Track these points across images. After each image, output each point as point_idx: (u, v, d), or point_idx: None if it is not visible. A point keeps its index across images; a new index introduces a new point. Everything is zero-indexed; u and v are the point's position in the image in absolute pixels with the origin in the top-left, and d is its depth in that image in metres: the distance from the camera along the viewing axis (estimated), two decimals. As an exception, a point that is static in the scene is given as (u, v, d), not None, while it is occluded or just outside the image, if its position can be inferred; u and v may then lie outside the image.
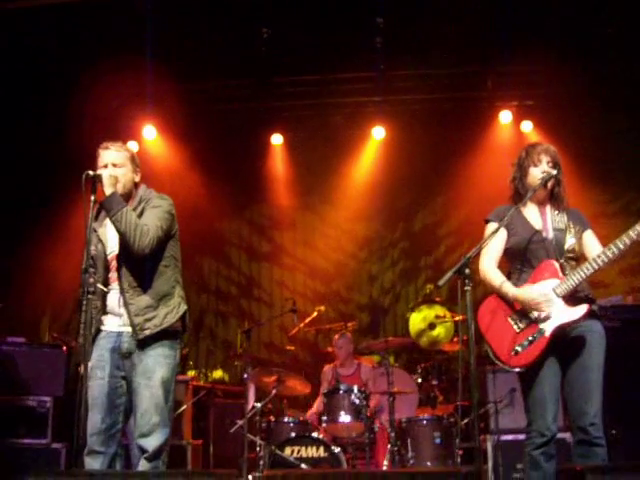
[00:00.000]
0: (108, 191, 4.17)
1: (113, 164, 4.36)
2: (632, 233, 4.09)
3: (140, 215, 4.33)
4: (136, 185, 4.49)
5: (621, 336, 6.33)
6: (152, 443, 4.16)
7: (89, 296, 4.00)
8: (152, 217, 4.32)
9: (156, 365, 4.23)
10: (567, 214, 4.46)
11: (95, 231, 4.38)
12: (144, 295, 4.28)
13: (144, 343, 4.25)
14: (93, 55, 8.29)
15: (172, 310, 4.33)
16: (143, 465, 4.16)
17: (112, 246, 4.39)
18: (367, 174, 10.06)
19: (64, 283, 8.79)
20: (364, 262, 10.37)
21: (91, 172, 4.15)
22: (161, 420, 4.20)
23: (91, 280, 4.09)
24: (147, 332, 4.23)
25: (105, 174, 4.20)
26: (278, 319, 9.35)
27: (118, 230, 4.19)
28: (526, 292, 4.25)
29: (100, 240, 4.41)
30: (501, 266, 4.49)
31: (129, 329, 4.27)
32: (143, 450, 4.17)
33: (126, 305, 4.27)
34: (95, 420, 4.17)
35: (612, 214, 9.23)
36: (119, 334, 4.32)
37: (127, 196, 4.40)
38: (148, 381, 4.20)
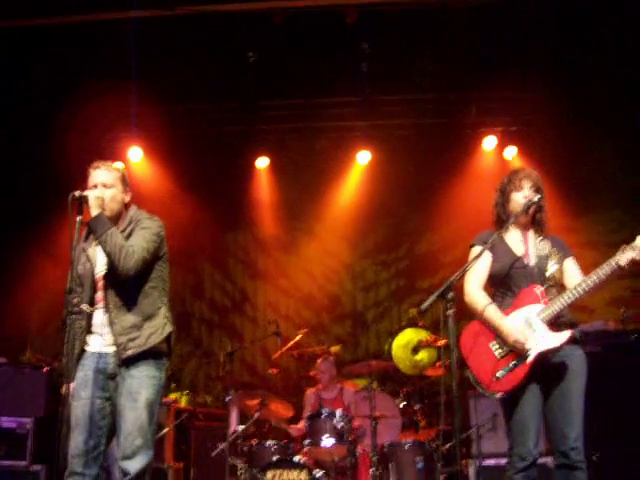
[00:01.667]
0: (94, 212, 4.16)
1: (103, 184, 4.34)
2: (613, 262, 4.13)
3: (129, 236, 4.32)
4: (126, 205, 4.48)
5: (602, 361, 6.38)
6: (135, 466, 4.11)
7: (72, 316, 3.98)
8: (140, 238, 4.30)
9: (141, 387, 4.19)
10: (550, 241, 4.49)
11: (84, 251, 4.39)
12: (129, 315, 4.25)
13: (129, 363, 4.21)
14: (79, 77, 8.31)
15: (156, 331, 4.29)
16: None
17: (101, 266, 4.36)
18: (352, 198, 10.08)
19: (46, 303, 8.77)
20: (347, 286, 10.35)
21: (77, 193, 4.14)
22: (144, 442, 4.14)
23: (75, 300, 4.07)
24: (130, 352, 4.19)
25: (91, 195, 4.19)
26: (262, 342, 9.32)
27: (104, 251, 4.18)
28: (509, 329, 4.24)
29: (89, 259, 4.39)
30: (485, 290, 4.50)
31: (114, 349, 4.24)
32: (125, 473, 4.12)
33: (110, 324, 4.24)
34: (78, 441, 4.12)
35: (596, 240, 9.28)
36: (104, 355, 4.28)
37: (117, 216, 4.39)
38: (133, 403, 4.16)
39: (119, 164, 9.18)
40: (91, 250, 4.40)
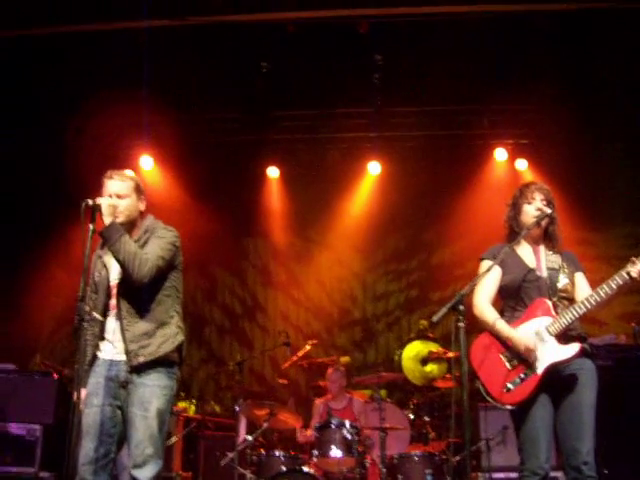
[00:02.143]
0: (107, 220, 4.16)
1: (117, 195, 4.36)
2: (624, 273, 4.12)
3: (144, 244, 4.33)
4: (142, 214, 4.50)
5: (614, 375, 6.36)
6: (145, 474, 4.11)
7: (84, 324, 3.97)
8: (154, 247, 4.32)
9: (152, 396, 4.20)
10: (561, 255, 4.48)
11: (101, 258, 4.43)
12: (141, 322, 4.26)
13: (140, 372, 4.21)
14: (91, 86, 8.35)
15: (168, 339, 4.30)
16: None
17: (115, 273, 4.37)
18: (362, 209, 10.10)
19: (58, 310, 8.80)
20: (358, 296, 10.34)
21: (90, 201, 4.13)
22: (155, 451, 4.15)
23: (87, 308, 4.07)
24: (141, 359, 4.20)
25: (104, 203, 4.19)
26: (271, 351, 9.32)
27: (117, 259, 4.18)
28: (520, 337, 4.25)
29: (105, 267, 4.42)
30: (494, 304, 4.49)
31: (125, 357, 4.24)
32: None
33: (122, 332, 4.25)
34: (88, 448, 4.12)
35: (606, 255, 9.25)
36: (116, 362, 4.29)
37: (132, 225, 4.41)
38: (144, 412, 4.16)
39: (130, 172, 9.30)
40: (107, 257, 4.42)
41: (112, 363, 4.29)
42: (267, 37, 8.31)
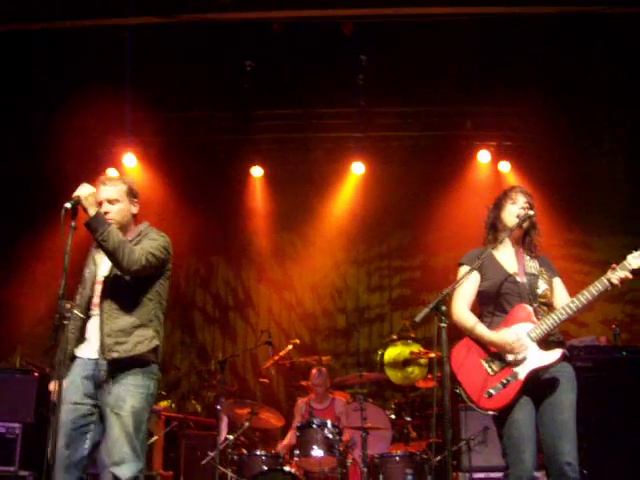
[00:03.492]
0: (92, 211, 4.10)
1: (108, 200, 4.38)
2: (605, 279, 4.15)
3: (136, 245, 4.33)
4: (137, 218, 4.52)
5: (593, 376, 6.40)
6: (124, 472, 4.11)
7: (65, 322, 3.95)
8: (146, 244, 4.34)
9: (127, 394, 4.20)
10: (538, 260, 4.51)
11: (93, 255, 4.47)
12: (120, 319, 4.26)
13: (116, 371, 4.22)
14: (75, 82, 8.31)
15: (144, 341, 4.30)
16: None
17: (104, 270, 4.38)
18: (345, 209, 10.10)
19: (38, 308, 8.75)
20: (339, 295, 10.34)
21: (68, 204, 4.04)
22: (132, 450, 4.15)
23: (68, 306, 4.04)
24: (115, 355, 4.19)
25: (82, 194, 4.09)
26: (253, 350, 9.31)
27: (106, 250, 4.15)
28: (501, 335, 4.26)
29: (95, 264, 4.44)
30: (473, 309, 4.50)
31: (100, 352, 4.25)
32: (116, 478, 4.12)
33: (101, 327, 4.25)
34: (59, 445, 4.10)
35: (586, 258, 9.33)
36: (94, 361, 4.28)
37: (125, 228, 4.43)
38: (118, 410, 4.17)
39: (111, 171, 9.30)
40: (98, 255, 4.43)
41: (89, 362, 4.29)
42: (252, 36, 8.30)
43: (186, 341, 10.26)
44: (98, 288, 4.37)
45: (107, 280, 4.33)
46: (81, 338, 4.36)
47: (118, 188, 4.44)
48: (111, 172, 9.61)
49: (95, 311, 4.35)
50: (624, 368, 6.69)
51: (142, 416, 4.24)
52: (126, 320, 4.27)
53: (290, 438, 7.49)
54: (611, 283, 4.12)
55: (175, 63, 8.51)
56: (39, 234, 8.83)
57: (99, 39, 8.08)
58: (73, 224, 4.02)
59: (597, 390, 6.23)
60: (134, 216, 4.51)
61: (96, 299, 4.36)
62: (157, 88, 8.87)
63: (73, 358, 4.34)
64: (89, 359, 4.29)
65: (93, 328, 4.32)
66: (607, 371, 6.62)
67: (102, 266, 4.41)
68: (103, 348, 4.21)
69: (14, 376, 7.11)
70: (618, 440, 6.33)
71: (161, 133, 9.74)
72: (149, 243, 4.36)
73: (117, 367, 4.22)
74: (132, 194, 4.50)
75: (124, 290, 4.29)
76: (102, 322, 4.25)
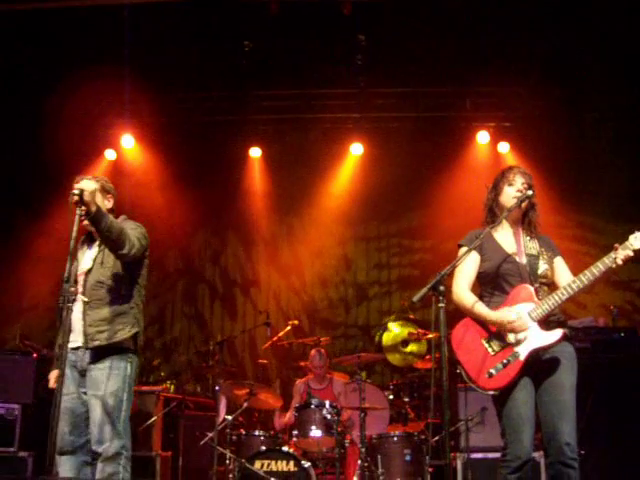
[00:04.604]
0: (93, 207, 4.27)
1: None
2: (607, 260, 4.11)
3: None
4: (113, 212, 4.75)
5: (591, 357, 6.42)
6: (106, 449, 4.33)
7: (69, 304, 4.07)
8: (130, 232, 4.56)
9: (104, 376, 4.44)
10: (538, 240, 4.49)
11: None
12: (102, 309, 4.51)
13: (96, 358, 4.45)
14: (72, 62, 8.30)
15: (124, 328, 4.55)
16: (100, 469, 4.33)
17: (84, 264, 4.66)
18: (344, 190, 10.08)
19: (37, 291, 8.76)
20: (336, 275, 10.35)
21: (76, 192, 4.19)
22: (113, 429, 4.38)
23: (72, 289, 4.18)
24: (97, 343, 4.44)
25: (87, 189, 4.26)
26: (252, 331, 9.34)
27: (108, 238, 4.38)
28: (502, 314, 4.25)
29: (77, 259, 4.70)
30: (472, 290, 4.49)
31: (82, 341, 4.48)
32: (98, 454, 4.34)
33: (83, 316, 4.48)
34: (62, 432, 4.35)
35: (585, 238, 9.33)
36: (76, 350, 4.50)
37: None
38: (97, 391, 4.41)
39: (109, 152, 9.28)
40: (81, 252, 4.74)
41: (72, 351, 4.49)
42: (250, 16, 8.25)
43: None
44: (80, 280, 4.60)
45: (89, 273, 4.59)
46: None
47: (90, 184, 4.58)
48: (109, 153, 9.62)
49: (78, 302, 4.53)
50: (622, 349, 6.72)
51: (122, 396, 4.48)
52: (107, 309, 4.52)
53: (289, 417, 7.51)
54: (616, 263, 4.09)
55: (173, 44, 8.47)
56: (37, 214, 8.85)
57: (97, 19, 8.04)
58: (79, 211, 4.21)
59: (595, 371, 6.25)
60: (112, 210, 4.76)
61: (80, 289, 4.57)
62: (155, 69, 8.84)
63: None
64: (71, 348, 4.47)
65: (76, 318, 4.49)
66: (604, 352, 6.64)
67: (83, 259, 4.69)
68: (86, 337, 4.46)
69: (13, 357, 7.11)
70: (615, 420, 6.37)
71: (159, 114, 9.72)
72: (132, 233, 4.59)
73: (98, 354, 4.46)
74: (104, 190, 4.76)
75: (105, 281, 4.55)
76: (84, 312, 4.50)
